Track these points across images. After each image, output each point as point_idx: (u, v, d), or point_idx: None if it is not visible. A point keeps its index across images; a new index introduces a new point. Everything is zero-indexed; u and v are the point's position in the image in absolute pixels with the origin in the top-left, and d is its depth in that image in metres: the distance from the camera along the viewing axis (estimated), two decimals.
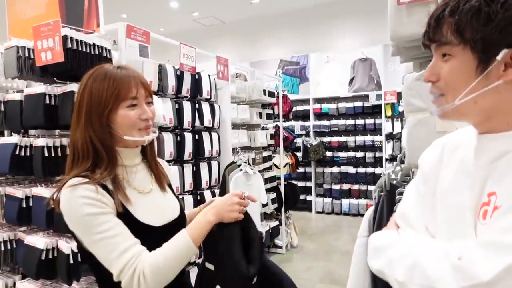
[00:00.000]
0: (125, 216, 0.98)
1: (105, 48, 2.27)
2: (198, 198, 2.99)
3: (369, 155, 6.54)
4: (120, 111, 1.01)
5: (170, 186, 1.21)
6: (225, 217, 1.06)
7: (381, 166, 6.41)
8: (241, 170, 3.22)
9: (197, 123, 3.09)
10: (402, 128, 6.08)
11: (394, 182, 1.91)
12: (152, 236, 1.00)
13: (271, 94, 4.50)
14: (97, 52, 2.21)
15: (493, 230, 0.65)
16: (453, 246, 0.70)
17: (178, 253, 0.98)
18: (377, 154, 6.49)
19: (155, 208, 1.08)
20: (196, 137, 3.05)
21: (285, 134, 5.08)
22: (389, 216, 1.86)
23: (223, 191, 3.10)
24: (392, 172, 2.02)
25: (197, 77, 3.12)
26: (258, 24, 7.66)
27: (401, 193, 1.68)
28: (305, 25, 7.32)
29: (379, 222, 1.81)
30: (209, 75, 3.29)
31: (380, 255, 0.82)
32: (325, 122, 6.81)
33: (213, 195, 3.13)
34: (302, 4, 7.02)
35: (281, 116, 4.85)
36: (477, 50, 0.71)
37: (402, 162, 2.19)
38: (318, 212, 6.80)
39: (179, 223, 1.12)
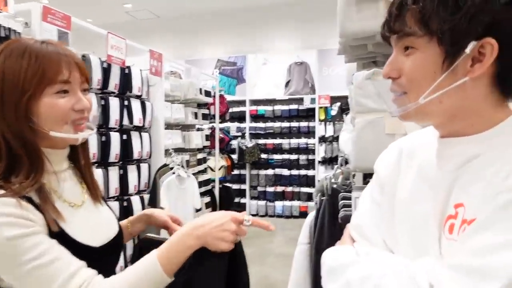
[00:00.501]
0: (59, 236, 0.76)
1: (14, 30, 1.94)
2: (125, 204, 2.71)
3: (303, 157, 6.66)
4: (45, 99, 0.78)
5: (102, 197, 0.99)
6: (211, 245, 0.81)
7: (314, 168, 6.57)
8: (174, 173, 3.00)
9: (126, 121, 2.81)
10: (334, 131, 6.30)
11: (335, 186, 1.87)
12: (91, 259, 0.78)
13: (207, 93, 4.33)
14: (3, 35, 1.88)
15: (466, 251, 0.58)
16: (418, 267, 0.62)
17: (146, 285, 0.76)
18: (310, 157, 6.62)
19: (90, 225, 0.86)
20: (124, 137, 2.78)
21: (221, 135, 4.93)
22: (331, 222, 1.83)
23: (154, 196, 2.86)
24: (332, 175, 1.98)
25: (127, 72, 2.84)
26: (195, 21, 7.42)
27: (344, 198, 1.64)
28: (243, 26, 7.25)
29: (321, 228, 1.75)
30: (141, 70, 3.03)
31: (337, 278, 0.72)
32: (261, 124, 6.80)
33: (142, 200, 2.87)
34: (240, 4, 6.94)
35: (217, 117, 4.70)
36: (444, 42, 0.63)
37: (341, 164, 2.18)
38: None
39: (118, 241, 0.92)
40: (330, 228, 1.60)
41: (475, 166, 0.65)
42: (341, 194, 1.57)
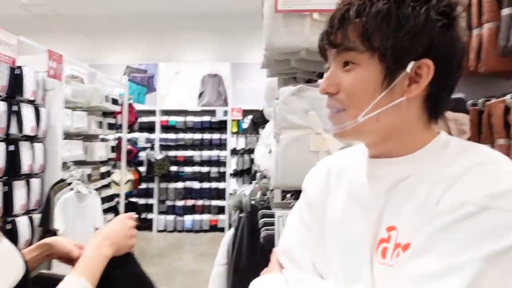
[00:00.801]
0: None
1: None
2: (9, 227, 2.31)
3: (214, 170, 6.58)
4: None
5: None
6: (123, 246, 0.87)
7: (225, 181, 6.52)
8: (72, 189, 2.66)
9: (14, 130, 2.42)
10: (246, 144, 6.36)
11: (253, 202, 1.82)
12: None
13: (114, 101, 4.01)
14: None
15: (403, 279, 0.56)
16: None
17: None
18: (222, 169, 6.57)
19: None
20: (11, 148, 2.37)
21: (128, 147, 4.60)
22: (250, 241, 1.76)
23: (47, 216, 2.49)
24: (251, 191, 1.93)
25: (17, 72, 2.46)
26: (103, 23, 6.90)
27: (264, 216, 1.59)
28: (156, 33, 6.97)
29: (239, 247, 1.67)
30: (36, 72, 2.65)
31: None
32: (172, 136, 6.56)
33: (31, 221, 2.48)
34: (153, 9, 6.67)
35: (125, 126, 4.38)
36: (386, 60, 0.62)
37: (252, 178, 2.15)
38: (160, 231, 6.42)
39: (26, 285, 0.73)
40: (249, 247, 1.53)
41: (405, 187, 0.64)
42: (260, 211, 1.51)
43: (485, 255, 0.52)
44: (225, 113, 6.41)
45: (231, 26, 6.66)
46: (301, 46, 1.28)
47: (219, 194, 6.48)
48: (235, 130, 6.45)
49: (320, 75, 1.71)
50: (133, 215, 0.97)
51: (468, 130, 1.29)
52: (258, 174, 1.96)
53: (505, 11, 1.36)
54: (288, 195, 1.60)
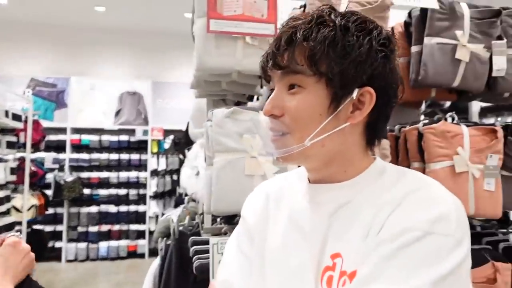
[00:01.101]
0: None
1: None
2: None
3: (133, 192, 6.20)
4: None
5: None
6: (25, 273, 0.87)
7: (145, 204, 6.18)
8: None
9: None
10: (167, 165, 6.13)
11: (181, 228, 1.72)
12: None
13: (16, 117, 3.58)
14: None
15: None
16: None
17: None
18: (141, 191, 6.22)
19: None
20: None
21: (33, 168, 4.12)
22: (179, 270, 1.65)
23: None
24: (178, 216, 1.82)
25: None
26: (2, 30, 6.20)
27: (195, 243, 1.49)
28: (68, 44, 6.46)
29: (167, 278, 1.55)
30: None
31: None
32: (85, 156, 6.06)
33: None
34: (65, 20, 6.19)
35: (29, 145, 3.92)
36: (334, 85, 0.63)
37: (178, 201, 2.05)
38: (69, 261, 5.81)
39: None
40: (179, 278, 1.42)
41: (347, 213, 0.65)
42: (191, 238, 1.43)
43: (433, 279, 0.53)
44: (145, 132, 6.14)
45: (153, 44, 6.48)
46: (233, 69, 1.26)
47: (139, 217, 6.10)
48: (155, 150, 6.19)
49: (250, 98, 1.71)
50: (17, 236, 0.93)
51: (389, 154, 1.38)
52: (185, 198, 1.87)
53: (414, 48, 1.52)
54: (219, 219, 1.54)
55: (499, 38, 1.52)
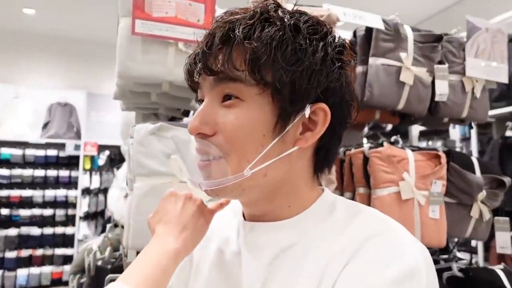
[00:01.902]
0: None
1: None
2: None
3: (60, 212, 5.66)
4: None
5: None
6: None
7: (74, 225, 5.66)
8: None
9: None
10: (101, 182, 5.67)
11: (100, 262, 1.48)
12: None
13: None
14: None
15: None
16: None
17: None
18: (70, 211, 5.69)
19: None
20: None
21: None
22: None
23: None
24: (98, 247, 1.57)
25: None
26: None
27: (112, 280, 1.26)
28: None
29: None
30: None
31: None
32: (5, 172, 5.44)
33: None
34: None
35: None
36: (281, 99, 0.50)
37: (107, 223, 1.79)
38: None
39: None
40: None
41: (291, 260, 0.53)
42: (108, 277, 1.20)
43: None
44: (77, 147, 5.66)
45: (89, 53, 6.07)
46: (163, 78, 1.09)
47: (66, 241, 5.53)
48: (88, 166, 5.72)
49: (186, 113, 1.54)
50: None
51: (335, 180, 1.28)
52: (108, 226, 1.62)
53: (359, 69, 1.46)
54: None
55: (441, 63, 1.52)
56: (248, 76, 0.48)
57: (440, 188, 1.35)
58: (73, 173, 5.67)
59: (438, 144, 3.88)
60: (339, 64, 0.52)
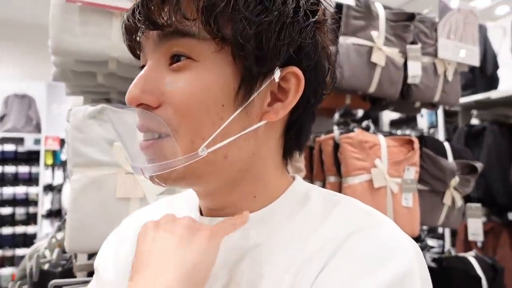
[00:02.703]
0: None
1: None
2: None
3: (20, 211, 5.39)
4: None
5: None
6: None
7: (36, 224, 5.40)
8: None
9: None
10: (64, 178, 5.41)
11: (47, 266, 1.33)
12: None
13: None
14: None
15: None
16: None
17: None
18: (32, 210, 5.42)
19: None
20: None
21: None
22: None
23: None
24: (45, 249, 1.42)
25: None
26: None
27: (57, 286, 1.13)
28: None
29: None
30: None
31: None
32: None
33: None
34: None
35: None
36: (245, 57, 0.39)
37: (59, 229, 1.63)
38: None
39: None
40: None
41: (255, 263, 0.44)
42: (52, 283, 1.05)
43: None
44: (37, 141, 5.36)
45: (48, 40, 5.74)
46: (108, 54, 0.95)
47: (27, 240, 5.26)
48: (50, 162, 5.43)
49: None
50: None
51: (303, 168, 1.18)
52: (56, 225, 1.46)
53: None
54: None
55: (413, 43, 1.45)
56: (201, 28, 0.38)
57: (413, 174, 1.29)
58: (34, 169, 5.38)
59: (407, 132, 3.91)
60: (314, 19, 0.42)
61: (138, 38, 0.44)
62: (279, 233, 0.44)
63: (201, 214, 0.50)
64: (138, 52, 0.46)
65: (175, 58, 0.40)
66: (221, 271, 0.44)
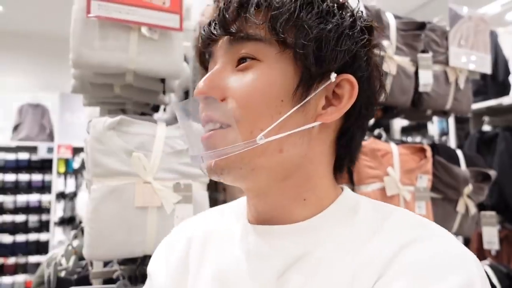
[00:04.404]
0: None
1: None
2: None
3: (34, 218, 5.44)
4: None
5: None
6: None
7: (48, 231, 5.46)
8: None
9: None
10: (76, 186, 5.46)
11: (64, 273, 1.35)
12: None
13: None
14: None
15: None
16: None
17: None
18: (44, 217, 5.48)
19: None
20: None
21: None
22: None
23: None
24: (61, 256, 1.44)
25: None
26: None
27: None
28: None
29: None
30: None
31: None
32: None
33: None
34: None
35: None
36: (305, 59, 0.43)
37: (75, 237, 1.66)
38: None
39: None
40: None
41: (304, 272, 0.43)
42: None
43: None
44: (50, 150, 5.43)
45: (61, 51, 5.82)
46: (126, 67, 0.98)
47: (40, 247, 5.31)
48: (62, 170, 5.50)
49: (155, 108, 1.43)
50: None
51: None
52: (72, 232, 1.49)
53: None
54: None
55: (424, 52, 1.46)
56: (267, 33, 0.44)
57: (426, 182, 1.29)
58: (47, 177, 5.45)
59: (418, 139, 3.88)
60: (368, 36, 0.46)
61: (210, 47, 0.48)
62: (329, 242, 0.44)
63: (249, 222, 0.51)
64: (206, 59, 0.50)
65: (241, 61, 0.45)
66: (270, 280, 0.44)
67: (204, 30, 0.49)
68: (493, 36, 2.50)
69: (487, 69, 1.57)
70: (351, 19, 0.46)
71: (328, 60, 0.43)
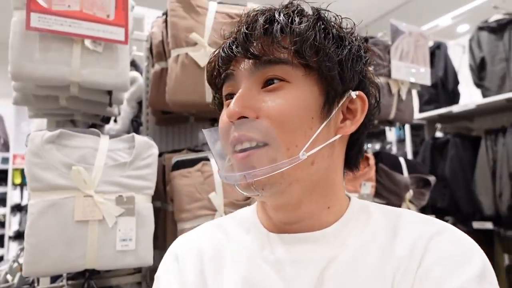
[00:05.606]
0: None
1: None
2: None
3: None
4: None
5: None
6: None
7: (3, 246, 5.20)
8: None
9: None
10: None
11: None
12: None
13: None
14: None
15: None
16: None
17: None
18: None
19: None
20: None
21: None
22: None
23: None
24: (5, 274, 1.39)
25: None
26: None
27: None
28: None
29: None
30: None
31: None
32: None
33: None
34: None
35: None
36: (329, 80, 0.48)
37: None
38: None
39: None
40: None
41: (341, 270, 0.47)
42: None
43: None
44: (5, 160, 5.21)
45: None
46: (69, 80, 0.97)
47: None
48: (18, 181, 5.26)
49: (106, 120, 1.42)
50: None
51: None
52: (18, 248, 1.44)
53: None
54: (65, 274, 1.17)
55: None
56: (293, 57, 0.47)
57: (369, 189, 1.35)
58: (1, 189, 5.21)
59: (377, 146, 4.03)
60: (369, 56, 0.53)
61: (230, 69, 0.50)
62: (352, 244, 0.49)
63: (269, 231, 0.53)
64: (218, 84, 0.53)
65: (268, 82, 0.48)
66: (309, 285, 0.47)
67: (224, 52, 0.50)
68: (443, 48, 2.65)
69: (427, 81, 1.67)
70: (357, 42, 0.51)
71: (349, 79, 0.49)
